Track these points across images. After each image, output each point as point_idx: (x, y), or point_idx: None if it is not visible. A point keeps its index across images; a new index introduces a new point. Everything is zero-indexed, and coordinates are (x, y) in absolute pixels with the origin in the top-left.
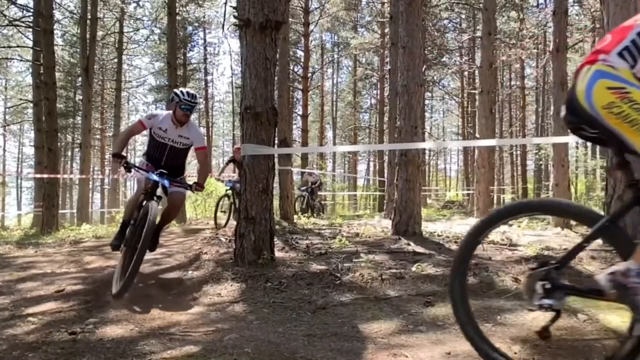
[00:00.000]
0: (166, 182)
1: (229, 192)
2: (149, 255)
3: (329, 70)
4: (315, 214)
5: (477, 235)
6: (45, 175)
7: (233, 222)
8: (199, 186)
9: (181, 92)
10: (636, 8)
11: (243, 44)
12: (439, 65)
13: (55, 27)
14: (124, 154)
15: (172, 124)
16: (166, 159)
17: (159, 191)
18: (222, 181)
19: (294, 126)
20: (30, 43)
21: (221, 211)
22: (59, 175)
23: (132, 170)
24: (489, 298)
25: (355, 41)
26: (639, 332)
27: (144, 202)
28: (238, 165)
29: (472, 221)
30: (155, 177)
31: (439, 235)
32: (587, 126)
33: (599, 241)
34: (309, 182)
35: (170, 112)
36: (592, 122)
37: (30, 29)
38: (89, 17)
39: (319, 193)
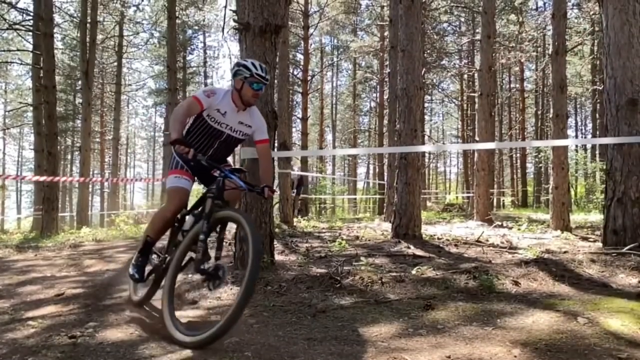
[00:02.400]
0: (243, 184)
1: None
2: None
3: (329, 73)
4: (296, 215)
5: None
6: (43, 178)
7: None
8: (271, 190)
9: (252, 64)
10: (635, 11)
11: (243, 47)
12: (438, 68)
13: (55, 30)
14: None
15: (233, 107)
16: (214, 152)
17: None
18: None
19: (294, 129)
20: (30, 46)
21: None
22: (57, 178)
23: (199, 161)
24: (489, 301)
25: (355, 44)
26: None
27: (213, 210)
28: None
29: (472, 224)
30: (229, 175)
31: (439, 239)
32: None
33: (599, 244)
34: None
35: (230, 90)
36: None
37: (30, 33)
38: (89, 20)
39: (301, 194)
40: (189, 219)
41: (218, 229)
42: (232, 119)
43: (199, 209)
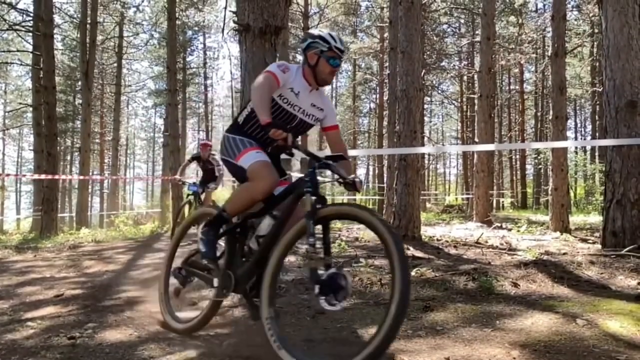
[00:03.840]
0: (343, 176)
1: (191, 197)
2: (147, 260)
3: None
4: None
5: None
6: (43, 176)
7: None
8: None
9: (330, 35)
10: (634, 14)
11: (243, 48)
12: (438, 70)
13: (55, 31)
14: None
15: (306, 86)
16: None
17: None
18: (184, 183)
19: None
20: (30, 47)
21: (179, 223)
22: (57, 177)
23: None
24: (488, 303)
25: (355, 46)
26: None
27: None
28: (203, 164)
29: (472, 225)
30: (331, 165)
31: (438, 240)
32: None
33: (598, 246)
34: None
35: (300, 66)
36: None
37: (30, 34)
38: (89, 21)
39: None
40: (265, 221)
41: (322, 230)
42: (305, 100)
43: (271, 209)
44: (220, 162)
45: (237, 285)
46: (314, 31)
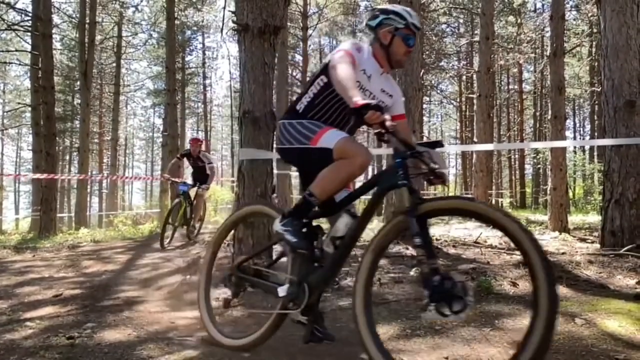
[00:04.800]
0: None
1: (181, 198)
2: (146, 260)
3: None
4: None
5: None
6: (41, 176)
7: (180, 239)
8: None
9: (405, 10)
10: (633, 13)
11: (241, 48)
12: (437, 70)
13: (53, 31)
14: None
15: (377, 68)
16: (351, 128)
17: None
18: (173, 182)
19: None
20: (29, 47)
21: (170, 223)
22: (55, 176)
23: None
24: (487, 302)
25: None
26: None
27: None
28: (194, 162)
29: (470, 225)
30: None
31: (437, 239)
32: None
33: (597, 245)
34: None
35: (370, 46)
36: None
37: (29, 33)
38: (88, 21)
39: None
40: (343, 220)
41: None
42: (376, 84)
43: (345, 206)
44: (212, 159)
45: (311, 294)
46: (387, 6)
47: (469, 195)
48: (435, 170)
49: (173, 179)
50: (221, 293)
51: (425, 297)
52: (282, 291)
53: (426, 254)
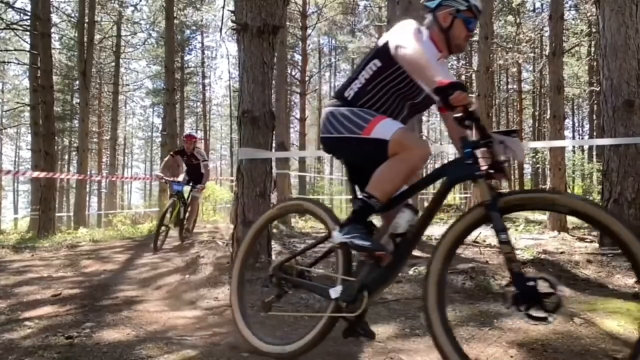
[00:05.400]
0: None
1: (175, 198)
2: (145, 259)
3: (327, 74)
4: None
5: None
6: (41, 174)
7: (173, 241)
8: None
9: None
10: (631, 13)
11: (241, 48)
12: None
13: (52, 30)
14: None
15: (435, 53)
16: (404, 118)
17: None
18: (167, 182)
19: (292, 130)
20: (28, 46)
21: (164, 225)
22: (54, 175)
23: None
24: (486, 302)
25: (353, 45)
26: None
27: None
28: (188, 159)
29: None
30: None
31: (436, 239)
32: None
33: (596, 245)
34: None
35: (427, 30)
36: None
37: (28, 33)
38: (87, 20)
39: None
40: (404, 216)
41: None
42: None
43: (403, 201)
44: (206, 157)
45: (371, 295)
46: None
47: (558, 190)
48: (501, 163)
49: (167, 178)
50: (219, 293)
51: (514, 297)
52: (334, 292)
53: (513, 251)
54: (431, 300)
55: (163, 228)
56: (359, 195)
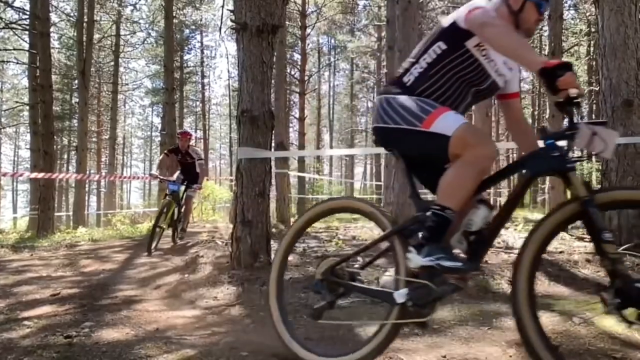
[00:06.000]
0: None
1: (170, 198)
2: (144, 259)
3: (326, 73)
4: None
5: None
6: (41, 175)
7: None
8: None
9: None
10: (630, 13)
11: (240, 47)
12: None
13: (51, 29)
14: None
15: None
16: (463, 110)
17: None
18: (162, 181)
19: (291, 129)
20: (27, 46)
21: (159, 226)
22: (53, 175)
23: None
24: (485, 301)
25: (352, 44)
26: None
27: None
28: (182, 158)
29: None
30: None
31: None
32: None
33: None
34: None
35: (496, 11)
36: None
37: (27, 32)
38: (86, 19)
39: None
40: (480, 213)
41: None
42: (500, 55)
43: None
44: (202, 155)
45: (442, 298)
46: None
47: None
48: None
49: (163, 178)
50: (218, 292)
51: (616, 298)
52: (400, 296)
53: (618, 252)
54: (522, 303)
55: (157, 229)
56: (430, 206)
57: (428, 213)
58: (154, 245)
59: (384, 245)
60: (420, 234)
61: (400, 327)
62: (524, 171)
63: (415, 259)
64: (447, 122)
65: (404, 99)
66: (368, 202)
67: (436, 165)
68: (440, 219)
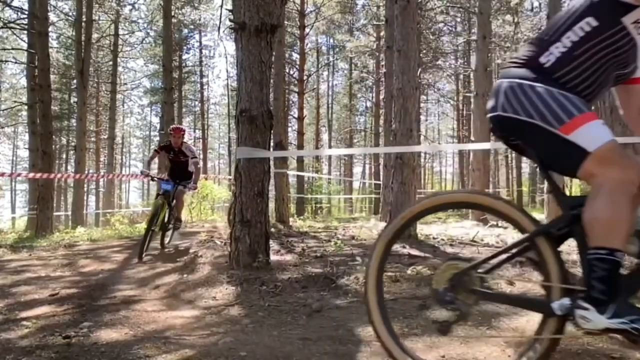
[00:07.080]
0: None
1: (162, 199)
2: (143, 258)
3: (325, 73)
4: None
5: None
6: (39, 175)
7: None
8: None
9: None
10: None
11: (238, 47)
12: (434, 69)
13: (50, 29)
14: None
15: None
16: (605, 91)
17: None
18: (154, 179)
19: (290, 129)
20: (25, 45)
21: (153, 229)
22: (52, 175)
23: None
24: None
25: (351, 44)
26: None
27: None
28: (175, 155)
29: (467, 224)
30: None
31: (434, 238)
32: None
33: None
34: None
35: None
36: None
37: (25, 31)
38: (84, 19)
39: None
40: None
41: None
42: None
43: None
44: (196, 153)
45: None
46: None
47: None
48: None
49: (154, 176)
50: (217, 292)
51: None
52: (560, 307)
53: None
54: None
55: (150, 232)
56: (589, 253)
57: (594, 261)
58: (145, 247)
59: (520, 247)
60: (593, 289)
61: (558, 343)
62: None
63: (597, 320)
64: (590, 134)
65: (543, 91)
66: (499, 197)
67: (549, 166)
68: (611, 264)
